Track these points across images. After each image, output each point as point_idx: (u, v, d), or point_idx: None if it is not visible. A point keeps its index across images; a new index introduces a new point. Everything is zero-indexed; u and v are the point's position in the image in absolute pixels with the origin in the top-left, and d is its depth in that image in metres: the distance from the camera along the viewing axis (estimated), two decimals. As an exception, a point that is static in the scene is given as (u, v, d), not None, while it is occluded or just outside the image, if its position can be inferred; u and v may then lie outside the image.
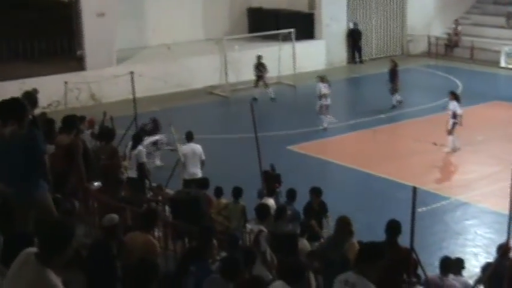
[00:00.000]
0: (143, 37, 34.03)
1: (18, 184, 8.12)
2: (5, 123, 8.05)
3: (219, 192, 14.56)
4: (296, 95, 31.02)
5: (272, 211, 12.39)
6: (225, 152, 22.59)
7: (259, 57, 29.67)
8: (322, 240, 12.79)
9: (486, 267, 11.91)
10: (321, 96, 24.82)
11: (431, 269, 11.84)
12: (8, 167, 8.20)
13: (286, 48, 32.58)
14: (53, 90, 26.70)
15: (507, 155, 19.72)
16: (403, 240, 10.11)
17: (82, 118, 17.17)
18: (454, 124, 21.95)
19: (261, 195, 15.04)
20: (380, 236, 9.92)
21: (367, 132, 24.65)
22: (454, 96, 22.53)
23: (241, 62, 31.31)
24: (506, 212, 11.61)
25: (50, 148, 11.51)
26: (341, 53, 36.59)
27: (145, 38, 34.17)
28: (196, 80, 31.10)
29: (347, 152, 23.20)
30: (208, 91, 31.17)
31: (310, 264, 10.46)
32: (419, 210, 11.57)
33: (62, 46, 31.00)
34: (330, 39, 35.77)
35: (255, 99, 28.01)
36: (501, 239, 12.37)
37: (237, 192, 14.09)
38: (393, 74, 27.74)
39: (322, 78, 25.37)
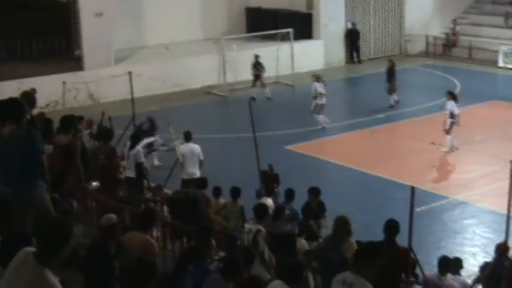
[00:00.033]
0: (141, 37, 34.02)
1: (16, 184, 8.12)
2: (3, 123, 8.05)
3: (217, 192, 14.55)
4: (294, 95, 31.02)
5: (270, 211, 12.39)
6: (223, 151, 22.60)
7: (256, 57, 29.69)
8: (320, 240, 12.78)
9: (484, 267, 11.93)
10: (317, 96, 24.82)
11: (430, 268, 11.83)
12: (6, 167, 8.19)
13: (284, 48, 32.60)
14: (51, 90, 26.72)
15: (505, 154, 19.67)
16: (402, 240, 10.12)
17: (80, 118, 17.14)
18: (452, 124, 21.97)
19: (259, 195, 15.04)
20: (378, 235, 9.93)
21: (365, 132, 24.67)
22: (452, 96, 22.55)
23: (239, 61, 31.30)
24: (505, 211, 11.64)
25: (48, 148, 11.49)
26: (339, 52, 36.60)
27: (143, 38, 34.16)
28: (195, 79, 31.09)
29: (345, 151, 23.21)
30: (207, 91, 31.16)
31: (308, 263, 10.48)
32: (417, 209, 11.57)
33: (60, 46, 31.00)
34: (328, 39, 35.78)
35: (253, 98, 28.00)
36: (499, 238, 12.40)
37: (235, 192, 14.08)
38: (391, 74, 27.76)
39: (318, 78, 25.38)
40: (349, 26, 36.56)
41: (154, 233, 11.58)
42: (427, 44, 38.20)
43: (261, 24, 34.57)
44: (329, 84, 29.58)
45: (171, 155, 18.51)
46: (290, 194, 14.07)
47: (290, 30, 32.62)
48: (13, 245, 5.87)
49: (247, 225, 13.00)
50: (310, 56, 34.58)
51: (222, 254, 10.31)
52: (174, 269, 9.54)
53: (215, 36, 33.17)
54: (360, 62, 36.90)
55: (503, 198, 11.61)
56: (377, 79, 29.40)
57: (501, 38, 35.29)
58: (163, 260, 10.98)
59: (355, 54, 36.98)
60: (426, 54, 38.06)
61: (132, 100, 20.25)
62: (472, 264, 14.22)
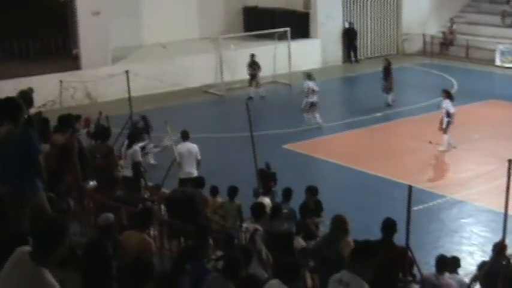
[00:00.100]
0: (138, 36, 34.00)
1: (13, 183, 8.11)
2: (0, 123, 8.04)
3: (214, 191, 14.55)
4: (291, 94, 31.00)
5: (268, 210, 12.39)
6: (220, 150, 22.59)
7: (252, 56, 29.70)
8: (318, 239, 12.79)
9: (482, 266, 11.93)
10: (309, 94, 24.82)
11: (427, 267, 11.84)
12: (2, 166, 8.18)
13: (281, 47, 32.61)
14: (49, 90, 26.71)
15: (503, 153, 19.70)
16: (399, 239, 10.12)
17: (77, 117, 17.14)
18: (449, 123, 21.96)
19: (256, 194, 15.05)
20: (376, 234, 9.92)
21: (363, 131, 24.68)
22: (447, 95, 22.54)
23: (236, 61, 31.28)
24: (502, 210, 11.64)
25: (45, 147, 11.48)
26: (336, 52, 36.60)
27: (141, 37, 34.14)
28: (192, 79, 31.08)
29: (343, 150, 23.21)
30: (204, 90, 31.15)
31: (304, 261, 10.48)
32: (415, 208, 11.56)
33: (57, 45, 30.99)
34: (326, 38, 35.79)
35: (250, 98, 28.01)
36: (497, 237, 12.40)
37: (233, 191, 14.09)
38: (387, 73, 27.78)
39: (309, 76, 25.40)
40: (347, 25, 36.58)
41: (152, 232, 11.59)
42: (424, 43, 38.20)
43: (258, 23, 34.59)
44: (326, 83, 29.73)
45: (167, 154, 18.49)
46: (287, 193, 14.05)
47: (287, 29, 32.61)
48: (9, 245, 5.86)
49: (244, 224, 13.01)
50: (308, 55, 34.58)
51: (219, 253, 10.30)
52: (172, 268, 9.53)
53: (212, 35, 33.18)
54: (357, 61, 36.91)
55: (501, 197, 11.60)
56: (374, 78, 29.42)
57: (498, 37, 35.32)
58: (160, 259, 10.97)
59: (352, 54, 36.99)
60: (423, 53, 38.06)
61: (130, 99, 20.24)
62: (470, 263, 14.24)
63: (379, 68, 28.92)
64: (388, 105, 27.38)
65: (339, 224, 9.94)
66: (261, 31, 33.09)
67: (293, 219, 13.21)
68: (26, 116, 8.68)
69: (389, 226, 9.92)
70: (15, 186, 8.10)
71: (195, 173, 16.99)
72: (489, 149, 21.55)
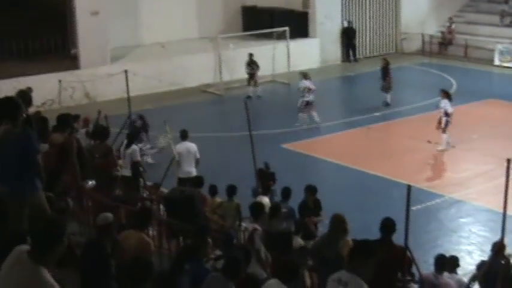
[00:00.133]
0: (137, 35, 33.98)
1: (11, 183, 8.10)
2: (-1, 122, 8.04)
3: (213, 190, 14.54)
4: (290, 93, 30.97)
5: (267, 209, 12.39)
6: (219, 150, 22.58)
7: (250, 55, 29.72)
8: (317, 238, 12.79)
9: (481, 266, 11.93)
10: (305, 93, 24.80)
11: (426, 266, 11.85)
12: (1, 166, 8.17)
13: (280, 46, 32.62)
14: (47, 89, 26.70)
15: (501, 152, 19.69)
16: (398, 239, 10.11)
17: (76, 117, 17.14)
18: (447, 122, 21.96)
19: (255, 194, 15.05)
20: (375, 234, 9.92)
21: (362, 130, 24.67)
22: (446, 95, 22.54)
23: (235, 60, 31.28)
24: (501, 209, 11.64)
25: (44, 147, 11.47)
26: (335, 51, 36.62)
27: (139, 36, 34.12)
28: (191, 78, 31.07)
29: (342, 150, 23.21)
30: (203, 89, 31.15)
31: (302, 259, 10.48)
32: (413, 208, 11.59)
33: (56, 45, 30.96)
34: (324, 38, 35.79)
35: (249, 97, 28.02)
36: (495, 236, 12.40)
37: (231, 190, 14.07)
38: (385, 73, 27.78)
39: (305, 75, 25.41)
40: (345, 24, 36.60)
41: (151, 232, 11.59)
42: (423, 42, 38.21)
43: (257, 22, 34.58)
44: (325, 83, 29.75)
45: (166, 154, 18.48)
46: (286, 192, 14.06)
47: (286, 28, 32.63)
48: (8, 244, 5.86)
49: (243, 224, 13.02)
50: (306, 55, 34.57)
51: (218, 252, 10.30)
52: (171, 268, 9.53)
53: (211, 35, 33.17)
54: (356, 60, 36.92)
55: (499, 197, 11.60)
56: (373, 77, 29.41)
57: (497, 37, 35.34)
58: (159, 259, 10.98)
59: (351, 53, 37.00)
60: (422, 52, 38.08)
61: (128, 99, 20.24)
62: (469, 262, 14.24)
63: (378, 67, 28.93)
64: (387, 105, 27.37)
65: (338, 224, 9.94)
66: (259, 30, 33.10)
67: (292, 219, 13.20)
68: (24, 116, 8.67)
69: (388, 226, 9.91)
70: (14, 186, 8.09)
71: (194, 172, 16.99)
72: (488, 149, 21.55)
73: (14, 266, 5.46)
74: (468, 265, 13.84)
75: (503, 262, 11.38)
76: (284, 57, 32.47)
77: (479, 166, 20.00)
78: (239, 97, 26.91)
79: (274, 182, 16.08)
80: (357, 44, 37.25)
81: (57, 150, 12.09)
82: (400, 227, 10.09)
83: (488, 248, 12.25)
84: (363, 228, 12.09)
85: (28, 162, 8.12)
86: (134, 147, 16.56)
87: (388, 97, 27.53)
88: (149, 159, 20.33)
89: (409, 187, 10.28)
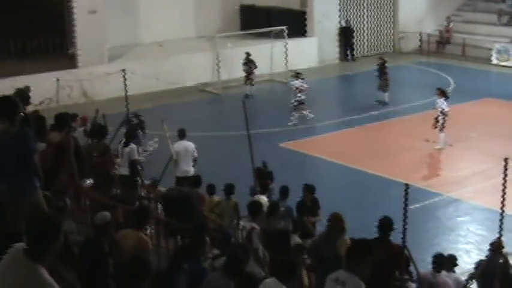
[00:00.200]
0: (135, 34, 33.95)
1: (9, 182, 8.09)
2: (-4, 121, 8.03)
3: (211, 189, 14.53)
4: (288, 92, 30.93)
5: (265, 208, 12.39)
6: (217, 149, 22.58)
7: (247, 54, 29.72)
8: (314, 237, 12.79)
9: (480, 265, 11.93)
10: (297, 93, 24.83)
11: (424, 265, 11.85)
12: (-1, 165, 8.18)
13: (278, 45, 32.58)
14: (45, 88, 26.71)
15: (499, 151, 19.73)
16: (396, 237, 10.11)
17: (74, 116, 17.14)
18: (444, 121, 21.96)
19: (253, 192, 15.05)
20: (373, 233, 9.92)
21: (360, 129, 24.69)
22: (442, 93, 22.55)
23: (233, 59, 31.25)
24: (498, 208, 11.66)
25: (41, 146, 11.47)
26: (333, 50, 36.61)
27: (137, 35, 34.10)
28: (188, 77, 31.07)
29: (340, 149, 23.21)
30: (200, 88, 31.14)
31: (299, 257, 10.48)
32: (411, 207, 11.59)
33: (54, 44, 30.95)
34: (322, 37, 35.78)
35: (247, 96, 28.03)
36: (493, 235, 12.41)
37: (229, 189, 14.05)
38: (382, 72, 27.79)
39: (297, 75, 25.44)
40: (343, 23, 36.59)
41: (148, 231, 11.58)
42: (421, 41, 38.22)
43: (255, 21, 34.58)
44: (323, 82, 29.78)
45: (164, 153, 18.47)
46: (284, 191, 14.06)
47: (284, 27, 32.59)
48: (6, 244, 5.84)
49: (241, 223, 13.03)
50: (304, 54, 34.58)
51: (216, 251, 10.30)
52: (168, 267, 9.52)
53: (209, 34, 33.19)
54: (353, 59, 36.92)
55: (497, 196, 11.62)
56: (371, 76, 29.40)
57: (494, 36, 35.38)
58: (157, 258, 10.97)
59: (349, 52, 37.00)
60: (420, 51, 38.09)
61: (126, 98, 20.25)
62: (466, 261, 14.25)
63: (376, 66, 28.91)
64: (385, 104, 27.37)
65: (336, 222, 9.93)
66: (257, 29, 33.07)
67: (290, 218, 13.21)
68: (22, 115, 8.66)
69: (386, 224, 9.91)
70: (12, 185, 8.09)
71: (191, 171, 16.98)
72: (485, 147, 21.59)
73: (10, 264, 5.46)
74: (466, 264, 13.85)
75: (501, 261, 11.40)
76: (282, 56, 32.45)
77: (476, 165, 20.03)
78: (237, 96, 26.92)
79: (272, 181, 16.07)
80: (355, 43, 37.27)
81: (55, 149, 12.07)
82: (398, 225, 10.09)
83: (486, 247, 12.26)
84: (361, 227, 12.11)
85: (25, 161, 8.11)
86: (132, 146, 16.56)
87: (386, 96, 27.52)
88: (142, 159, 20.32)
89: (406, 186, 10.29)
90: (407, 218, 10.29)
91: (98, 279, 8.60)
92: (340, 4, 36.51)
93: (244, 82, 29.84)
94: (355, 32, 37.05)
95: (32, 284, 5.33)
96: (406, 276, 10.49)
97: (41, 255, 5.39)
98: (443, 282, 10.88)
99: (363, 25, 37.88)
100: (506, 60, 34.12)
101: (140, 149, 20.30)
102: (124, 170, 16.19)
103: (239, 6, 37.36)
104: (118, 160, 16.45)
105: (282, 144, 23.07)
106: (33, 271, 5.33)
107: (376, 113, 26.41)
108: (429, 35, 37.95)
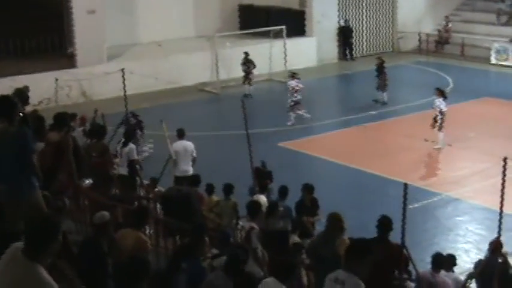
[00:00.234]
0: (134, 34, 33.92)
1: (8, 182, 8.09)
2: (-5, 121, 8.03)
3: (210, 189, 14.53)
4: (287, 92, 30.96)
5: (264, 208, 12.38)
6: (216, 149, 22.57)
7: (246, 54, 29.72)
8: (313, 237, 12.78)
9: (479, 264, 11.94)
10: (293, 93, 24.86)
11: (423, 265, 11.84)
12: (-1, 165, 8.17)
13: (277, 45, 32.59)
14: (44, 88, 26.69)
15: (498, 151, 19.73)
16: (395, 237, 10.12)
17: (73, 115, 17.12)
18: (443, 120, 21.97)
19: (252, 192, 15.04)
20: (372, 232, 9.92)
21: (359, 129, 24.69)
22: (441, 93, 22.55)
23: (232, 59, 31.25)
24: (497, 208, 11.67)
25: (40, 145, 11.46)
26: (332, 50, 36.61)
27: (136, 35, 34.07)
28: (187, 77, 31.06)
29: (338, 148, 23.21)
30: (199, 88, 31.14)
31: (298, 255, 10.48)
32: (410, 206, 11.58)
33: (53, 43, 30.94)
34: (321, 36, 35.78)
35: (246, 96, 28.02)
36: (492, 235, 12.42)
37: (228, 189, 14.05)
38: (380, 71, 27.79)
39: (294, 75, 25.46)
40: (342, 23, 36.60)
41: (147, 231, 11.58)
42: (420, 41, 38.23)
43: (254, 21, 34.57)
44: (322, 81, 29.77)
45: (162, 152, 18.46)
46: (283, 191, 14.05)
47: (283, 27, 32.60)
48: (4, 243, 5.84)
49: (240, 222, 13.02)
50: (303, 53, 34.59)
51: (215, 251, 10.30)
52: (167, 267, 9.53)
53: (208, 34, 33.17)
54: (352, 59, 36.92)
55: (496, 195, 11.64)
56: (370, 76, 29.39)
57: (493, 35, 35.40)
58: (156, 258, 10.97)
59: (347, 51, 37.01)
60: (419, 51, 38.10)
61: (125, 97, 20.23)
62: (465, 261, 14.25)
63: (375, 66, 28.91)
64: (384, 103, 27.37)
65: (335, 222, 9.93)
66: (256, 29, 33.06)
67: (289, 217, 13.21)
68: (21, 114, 8.66)
69: (385, 224, 9.91)
70: (11, 184, 8.08)
71: (190, 170, 16.97)
72: (484, 147, 21.59)
73: (9, 263, 5.45)
74: (465, 263, 13.85)
75: (500, 260, 11.40)
76: (281, 56, 32.44)
77: (475, 164, 20.03)
78: (236, 96, 26.89)
79: (271, 181, 16.06)
80: (354, 43, 37.28)
81: (53, 149, 12.07)
82: (396, 225, 10.10)
83: (485, 247, 12.27)
84: (360, 226, 12.11)
85: (24, 161, 8.11)
86: (131, 145, 16.55)
87: (385, 95, 27.53)
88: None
89: (405, 185, 10.29)
90: (406, 217, 10.29)
91: (97, 279, 8.59)
92: (339, 4, 36.52)
93: (242, 82, 29.84)
94: (354, 31, 37.07)
95: (30, 284, 5.33)
96: (405, 276, 10.49)
97: (40, 254, 5.39)
98: (442, 281, 10.88)
99: (362, 25, 37.89)
100: (505, 60, 34.14)
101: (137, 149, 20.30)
102: (123, 170, 16.18)
103: (238, 6, 37.35)
104: (117, 160, 16.44)
105: (280, 144, 23.07)
106: (32, 271, 5.33)
107: (374, 112, 26.41)
108: (428, 35, 37.96)
